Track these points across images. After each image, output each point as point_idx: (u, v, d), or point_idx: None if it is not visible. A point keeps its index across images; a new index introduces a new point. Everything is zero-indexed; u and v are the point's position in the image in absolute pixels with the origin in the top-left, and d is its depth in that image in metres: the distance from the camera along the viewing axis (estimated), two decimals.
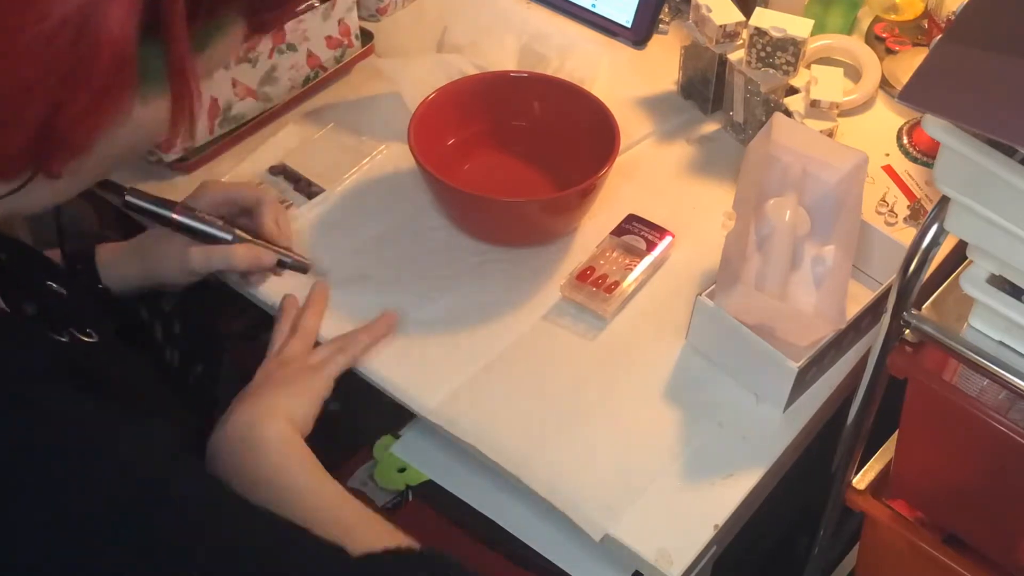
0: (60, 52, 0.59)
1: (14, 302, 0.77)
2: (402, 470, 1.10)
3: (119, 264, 1.04)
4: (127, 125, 0.66)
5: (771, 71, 1.15)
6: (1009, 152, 0.75)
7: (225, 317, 1.27)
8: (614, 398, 0.98)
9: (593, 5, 1.37)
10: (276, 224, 1.05)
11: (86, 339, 0.81)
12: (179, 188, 1.15)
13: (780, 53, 1.13)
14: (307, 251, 1.09)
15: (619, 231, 1.09)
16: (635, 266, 1.06)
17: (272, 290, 1.06)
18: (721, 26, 1.17)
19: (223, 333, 1.23)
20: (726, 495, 0.91)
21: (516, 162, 1.18)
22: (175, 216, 1.00)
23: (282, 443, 0.89)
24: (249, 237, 1.03)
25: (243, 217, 1.06)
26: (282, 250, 1.05)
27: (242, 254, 1.02)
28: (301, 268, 1.06)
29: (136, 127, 0.67)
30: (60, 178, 0.67)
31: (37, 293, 0.83)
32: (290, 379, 0.96)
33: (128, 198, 1.00)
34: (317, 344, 1.02)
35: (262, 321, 1.19)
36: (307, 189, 1.16)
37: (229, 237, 1.02)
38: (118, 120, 0.65)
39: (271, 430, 0.89)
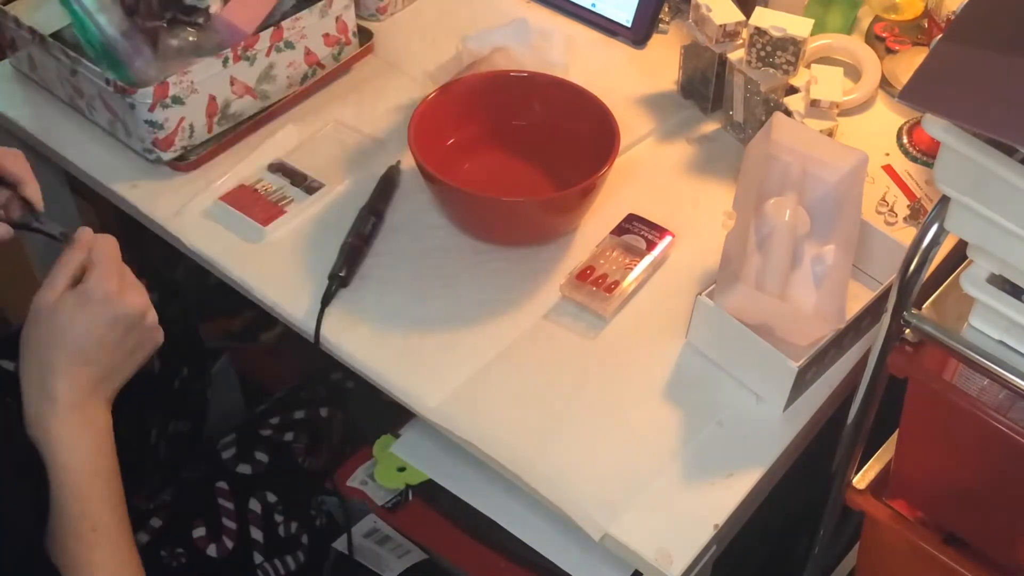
0: None
1: None
2: (402, 470, 1.10)
3: None
4: None
5: (771, 71, 1.15)
6: (1009, 152, 0.75)
7: (214, 321, 1.26)
8: (614, 397, 0.98)
9: (593, 5, 1.37)
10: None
11: None
12: (178, 187, 1.15)
13: (780, 52, 1.13)
14: (307, 249, 1.09)
15: (619, 231, 1.09)
16: (635, 266, 1.06)
17: (273, 284, 1.06)
18: (721, 25, 1.17)
19: (219, 335, 1.22)
20: (726, 495, 0.91)
21: (516, 162, 1.18)
22: None
23: (102, 435, 0.88)
24: None
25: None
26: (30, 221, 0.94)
27: None
28: (51, 235, 0.94)
29: None
30: None
31: None
32: (129, 346, 0.89)
33: None
34: None
35: (261, 321, 1.19)
36: (307, 185, 1.15)
37: None
38: None
39: (100, 418, 0.88)
